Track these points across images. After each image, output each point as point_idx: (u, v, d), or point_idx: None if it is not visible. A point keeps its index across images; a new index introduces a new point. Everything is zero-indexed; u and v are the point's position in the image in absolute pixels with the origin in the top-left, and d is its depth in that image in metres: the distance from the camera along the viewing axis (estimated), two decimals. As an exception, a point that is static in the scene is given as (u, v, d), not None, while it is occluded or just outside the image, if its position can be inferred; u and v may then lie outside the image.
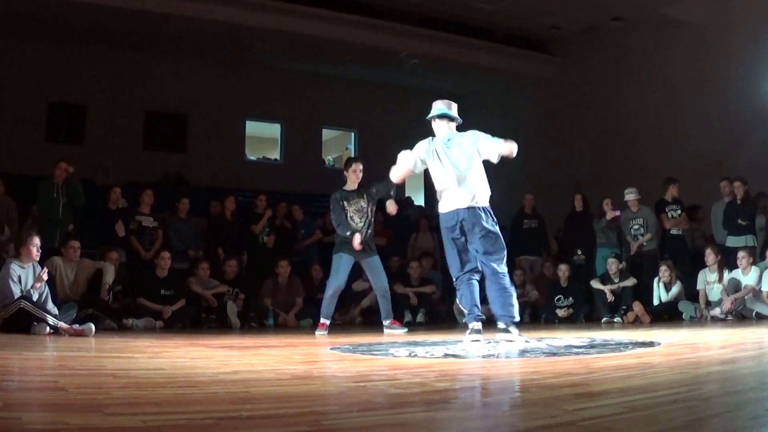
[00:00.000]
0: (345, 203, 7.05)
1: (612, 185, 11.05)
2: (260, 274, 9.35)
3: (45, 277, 6.44)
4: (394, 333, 6.77)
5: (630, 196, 9.58)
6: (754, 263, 8.43)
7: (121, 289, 8.19)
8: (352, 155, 17.44)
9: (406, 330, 7.05)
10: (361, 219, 7.02)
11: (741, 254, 8.46)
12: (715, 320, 8.19)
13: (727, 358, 3.74)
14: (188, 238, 9.38)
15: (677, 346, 4.60)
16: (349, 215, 7.02)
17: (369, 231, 7.05)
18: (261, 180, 13.66)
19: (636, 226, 9.55)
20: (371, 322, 9.36)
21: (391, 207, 6.90)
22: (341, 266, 6.94)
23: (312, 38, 13.34)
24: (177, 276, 8.62)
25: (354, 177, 7.18)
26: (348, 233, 6.89)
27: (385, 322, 7.02)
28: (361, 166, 7.27)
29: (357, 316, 9.57)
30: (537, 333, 6.38)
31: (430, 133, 5.49)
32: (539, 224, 10.79)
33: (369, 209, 7.11)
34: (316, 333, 6.77)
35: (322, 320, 6.98)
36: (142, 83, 14.19)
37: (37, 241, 6.51)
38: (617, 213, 9.73)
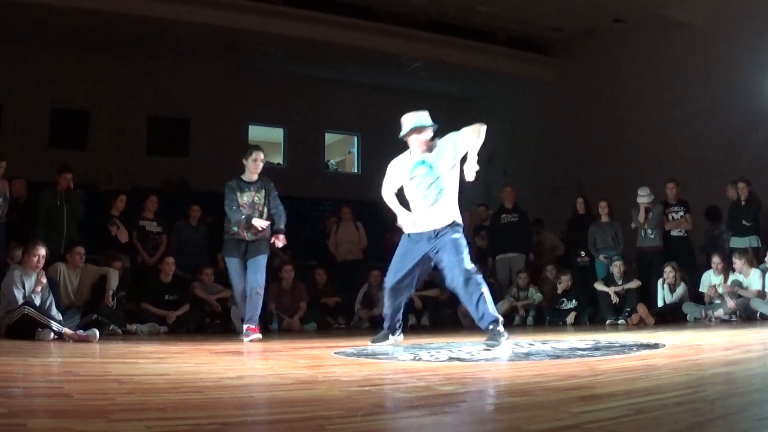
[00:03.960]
0: (238, 193, 6.59)
1: (615, 187, 11.05)
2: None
3: (43, 279, 6.45)
4: (249, 339, 6.25)
5: (643, 199, 9.53)
6: (759, 263, 8.41)
7: (125, 295, 8.21)
8: (356, 159, 17.48)
9: (260, 337, 6.41)
10: (251, 214, 6.56)
11: (737, 259, 8.42)
12: (720, 321, 8.17)
13: (732, 359, 3.73)
14: (197, 247, 9.40)
15: (682, 348, 4.59)
16: (240, 206, 6.56)
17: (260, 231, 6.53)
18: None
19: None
20: (380, 326, 9.37)
21: (279, 240, 6.56)
22: (234, 271, 6.58)
23: (314, 42, 13.35)
24: (181, 281, 8.64)
25: (253, 167, 6.65)
26: (243, 217, 6.45)
27: (244, 327, 6.47)
28: (262, 155, 6.72)
29: (365, 321, 9.58)
30: (541, 336, 6.38)
31: (436, 134, 5.45)
32: (520, 219, 10.41)
33: (263, 205, 6.63)
34: (248, 339, 6.32)
35: (249, 325, 6.49)
36: (145, 88, 14.21)
37: (41, 251, 6.51)
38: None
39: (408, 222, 5.16)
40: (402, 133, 5.18)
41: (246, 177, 6.71)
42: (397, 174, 5.30)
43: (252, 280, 6.52)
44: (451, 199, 5.12)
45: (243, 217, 6.48)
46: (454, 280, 4.94)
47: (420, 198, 5.14)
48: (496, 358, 4.07)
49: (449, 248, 4.97)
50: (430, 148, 5.15)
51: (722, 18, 11.72)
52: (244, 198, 6.60)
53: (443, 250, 4.99)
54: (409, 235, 5.20)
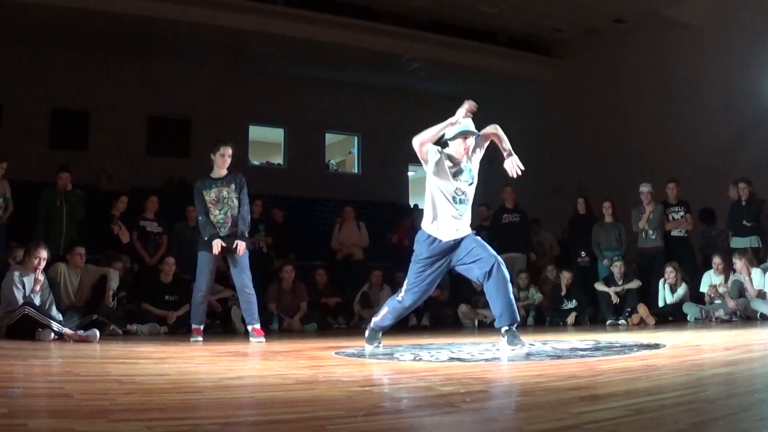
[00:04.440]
0: (205, 191, 6.49)
1: (615, 187, 11.05)
2: (262, 279, 9.36)
3: (41, 278, 6.45)
4: (254, 341, 6.26)
5: (645, 188, 9.53)
6: (760, 263, 8.41)
7: (125, 295, 8.21)
8: (356, 159, 17.48)
9: (263, 341, 6.33)
10: (220, 210, 6.48)
11: (738, 259, 8.42)
12: (720, 321, 8.17)
13: (732, 359, 3.73)
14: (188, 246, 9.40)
15: (682, 348, 4.59)
16: (206, 206, 6.49)
17: (233, 226, 6.46)
18: (264, 185, 13.68)
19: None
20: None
21: (241, 247, 6.40)
22: (204, 267, 6.46)
23: (314, 43, 13.36)
24: (181, 281, 8.63)
25: (221, 161, 6.57)
26: (206, 237, 6.36)
27: (249, 328, 6.52)
28: (230, 150, 6.61)
29: (366, 321, 9.58)
30: (542, 336, 6.38)
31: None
32: (521, 219, 10.37)
33: (233, 199, 6.51)
34: (191, 339, 6.42)
35: (194, 326, 6.57)
36: (145, 89, 14.22)
37: (42, 253, 6.50)
38: None
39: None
40: (451, 134, 4.76)
41: (214, 173, 6.66)
42: (442, 162, 4.72)
43: (239, 281, 6.52)
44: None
45: (207, 238, 6.39)
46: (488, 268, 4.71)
47: (455, 205, 4.76)
48: (497, 359, 4.07)
49: (477, 242, 4.82)
50: (470, 158, 4.83)
51: (722, 18, 11.73)
52: (212, 194, 6.52)
53: (471, 244, 4.78)
54: (430, 256, 4.81)
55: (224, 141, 6.82)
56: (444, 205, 4.73)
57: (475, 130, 4.77)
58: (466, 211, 4.82)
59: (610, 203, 9.88)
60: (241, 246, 6.43)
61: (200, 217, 6.54)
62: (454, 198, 4.72)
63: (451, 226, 4.75)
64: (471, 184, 4.80)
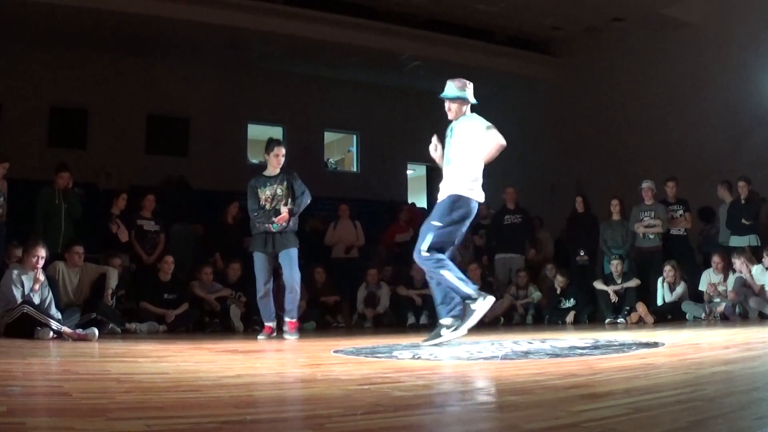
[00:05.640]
0: (260, 189, 6.74)
1: (614, 186, 11.05)
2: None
3: (41, 277, 6.44)
4: (286, 338, 6.44)
5: (647, 184, 9.53)
6: (758, 262, 8.41)
7: (123, 293, 8.20)
8: (355, 158, 17.48)
9: (298, 337, 6.51)
10: (273, 208, 6.66)
11: (737, 258, 8.42)
12: (722, 318, 8.20)
13: (731, 358, 3.73)
14: (184, 246, 9.41)
15: (681, 347, 4.59)
16: (261, 203, 6.70)
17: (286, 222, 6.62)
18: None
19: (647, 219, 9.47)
20: (382, 324, 9.39)
21: (282, 215, 6.59)
22: (260, 267, 6.67)
23: (313, 41, 13.36)
24: (180, 280, 8.63)
25: (275, 162, 6.82)
26: (265, 225, 6.60)
27: (286, 319, 6.69)
28: (283, 150, 6.88)
29: (369, 320, 9.60)
30: (541, 334, 6.38)
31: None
32: (523, 219, 10.39)
33: (285, 197, 6.70)
34: (259, 337, 6.61)
35: (266, 324, 6.76)
36: (144, 87, 14.21)
37: (41, 252, 6.50)
38: None
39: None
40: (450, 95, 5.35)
41: (267, 172, 6.87)
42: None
43: (288, 276, 6.63)
44: (457, 173, 5.10)
45: (259, 223, 6.64)
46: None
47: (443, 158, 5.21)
48: (495, 357, 4.07)
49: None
50: (457, 118, 5.29)
51: (721, 17, 11.73)
52: (267, 192, 6.72)
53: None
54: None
55: (278, 141, 7.11)
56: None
57: (455, 94, 5.38)
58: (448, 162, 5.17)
59: (618, 201, 9.83)
60: (283, 214, 6.57)
61: (255, 213, 6.71)
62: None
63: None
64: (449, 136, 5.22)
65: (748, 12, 11.15)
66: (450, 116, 5.26)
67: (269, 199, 6.68)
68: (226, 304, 8.64)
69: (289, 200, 6.70)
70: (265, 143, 7.06)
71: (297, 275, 6.63)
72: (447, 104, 5.28)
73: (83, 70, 13.66)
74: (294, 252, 6.65)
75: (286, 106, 15.68)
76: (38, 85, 13.22)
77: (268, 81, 15.25)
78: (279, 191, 6.70)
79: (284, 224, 6.60)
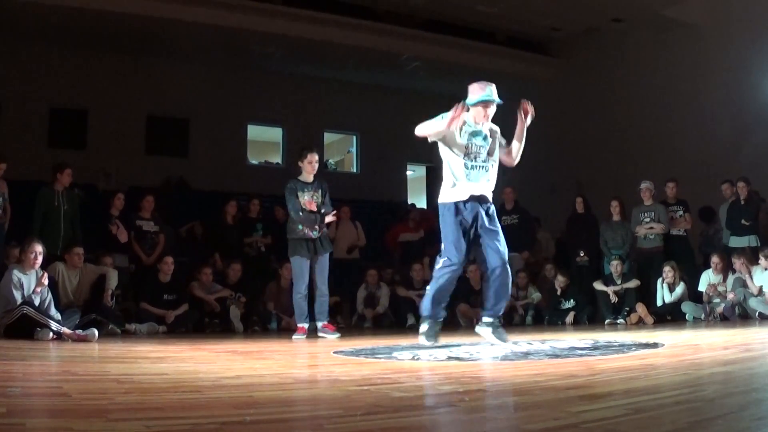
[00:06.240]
0: (299, 193, 6.93)
1: (614, 186, 11.05)
2: (261, 278, 9.35)
3: (45, 281, 6.44)
4: (326, 338, 6.63)
5: (646, 184, 9.53)
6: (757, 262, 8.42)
7: (120, 293, 8.19)
8: (354, 159, 17.48)
9: (338, 336, 6.74)
10: (311, 213, 6.89)
11: (736, 258, 8.42)
12: (722, 318, 8.20)
13: (731, 358, 3.73)
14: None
15: (681, 348, 4.59)
16: (303, 205, 6.90)
17: (322, 227, 6.91)
18: (263, 184, 13.67)
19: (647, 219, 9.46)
20: (382, 325, 9.38)
21: (328, 216, 6.94)
22: (300, 271, 6.87)
23: (313, 42, 13.36)
24: (180, 281, 8.62)
25: (309, 168, 7.02)
26: (307, 228, 6.81)
27: (319, 325, 6.91)
28: (316, 157, 7.10)
29: (369, 320, 9.59)
30: (540, 335, 6.38)
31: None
32: (521, 220, 10.33)
33: (321, 204, 6.96)
34: (294, 337, 6.72)
35: (299, 325, 6.92)
36: (144, 88, 14.22)
37: (37, 248, 6.50)
38: None
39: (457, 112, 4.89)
40: (472, 101, 5.02)
41: (303, 178, 7.06)
42: (450, 132, 4.95)
43: (319, 281, 6.90)
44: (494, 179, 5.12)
45: (301, 221, 6.82)
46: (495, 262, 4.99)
47: (472, 166, 5.04)
48: (494, 358, 4.08)
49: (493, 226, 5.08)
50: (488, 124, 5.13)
51: (721, 17, 11.74)
52: (305, 197, 6.92)
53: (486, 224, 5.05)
54: (456, 212, 5.03)
55: (310, 148, 7.29)
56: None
57: (497, 99, 5.08)
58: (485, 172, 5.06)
59: (618, 202, 9.82)
60: (331, 218, 6.97)
61: (300, 213, 6.86)
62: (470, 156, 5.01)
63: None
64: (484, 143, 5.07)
65: (749, 12, 11.15)
66: (487, 120, 5.16)
67: (309, 203, 6.90)
68: (226, 304, 8.63)
69: (322, 208, 6.97)
70: (301, 151, 7.24)
71: (326, 278, 6.93)
72: (492, 108, 5.14)
73: (83, 70, 13.67)
74: (327, 257, 6.96)
75: (285, 106, 15.68)
76: (38, 86, 13.23)
77: (268, 81, 15.25)
78: (316, 197, 6.95)
79: (325, 230, 6.94)
